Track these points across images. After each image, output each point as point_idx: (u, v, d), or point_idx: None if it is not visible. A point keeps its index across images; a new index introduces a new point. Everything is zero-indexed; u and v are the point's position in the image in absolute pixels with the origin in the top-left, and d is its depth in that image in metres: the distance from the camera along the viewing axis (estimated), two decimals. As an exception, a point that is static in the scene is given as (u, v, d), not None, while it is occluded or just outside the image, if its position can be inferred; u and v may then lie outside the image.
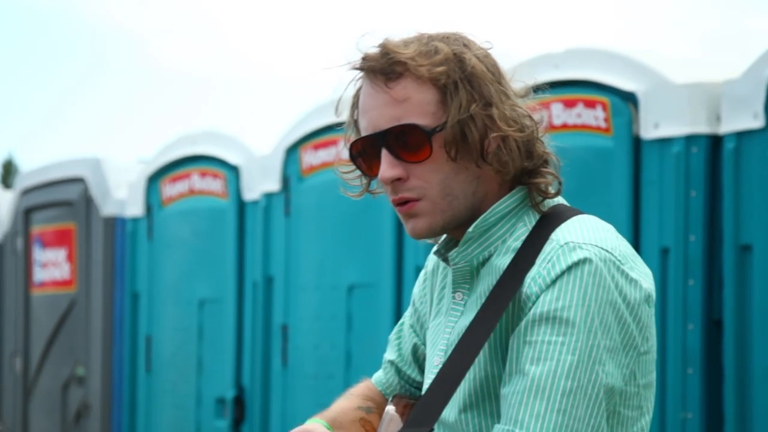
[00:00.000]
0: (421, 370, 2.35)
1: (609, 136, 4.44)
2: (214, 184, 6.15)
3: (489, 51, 2.16)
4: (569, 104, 4.57)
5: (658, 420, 4.28)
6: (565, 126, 4.57)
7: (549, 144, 2.20)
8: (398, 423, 2.26)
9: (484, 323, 2.07)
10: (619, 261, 2.07)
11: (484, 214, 2.12)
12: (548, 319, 2.02)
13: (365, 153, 2.15)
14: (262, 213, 5.85)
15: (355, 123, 2.19)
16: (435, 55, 2.08)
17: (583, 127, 4.51)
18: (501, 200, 2.14)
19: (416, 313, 2.36)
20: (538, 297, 2.04)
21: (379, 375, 2.43)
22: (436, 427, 2.14)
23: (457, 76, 2.08)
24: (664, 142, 4.33)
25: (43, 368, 7.04)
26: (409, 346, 2.37)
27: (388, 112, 2.10)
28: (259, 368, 5.82)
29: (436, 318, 2.24)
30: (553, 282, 2.03)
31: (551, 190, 2.16)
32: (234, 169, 6.04)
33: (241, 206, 5.99)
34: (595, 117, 4.48)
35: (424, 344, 2.33)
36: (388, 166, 2.10)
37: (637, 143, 4.38)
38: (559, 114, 4.58)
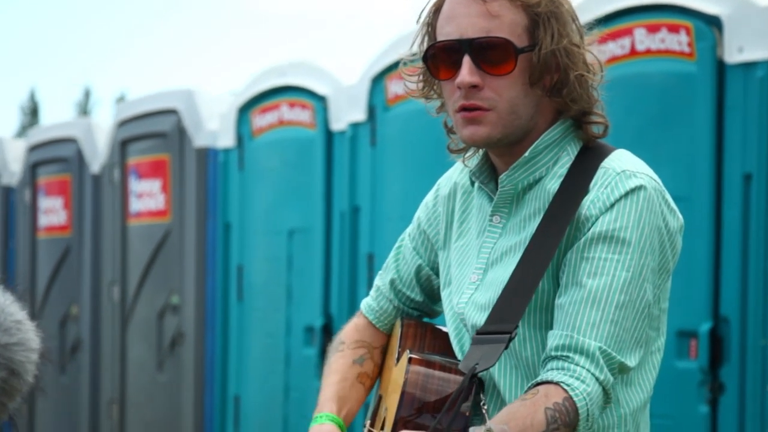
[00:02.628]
0: (423, 290, 2.52)
1: (692, 61, 4.37)
2: (303, 115, 6.19)
3: None
4: (652, 29, 4.50)
5: (738, 347, 4.24)
6: (648, 51, 4.51)
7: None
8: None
9: (549, 237, 2.27)
10: (663, 191, 2.31)
11: (537, 142, 2.33)
12: (606, 238, 2.24)
13: (441, 56, 2.32)
14: (348, 143, 5.87)
15: (430, 28, 2.34)
16: None
17: (667, 52, 4.45)
18: (550, 129, 2.34)
19: (422, 235, 2.52)
20: (597, 218, 2.26)
21: (370, 303, 2.57)
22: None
23: (550, 9, 2.27)
24: (748, 66, 4.25)
25: (139, 297, 7.18)
26: (411, 267, 2.52)
27: (480, 22, 2.26)
28: (346, 297, 5.87)
29: (461, 239, 2.42)
30: (612, 205, 2.24)
31: (598, 131, 2.35)
32: (322, 100, 6.07)
33: (329, 136, 6.02)
34: (679, 42, 4.41)
35: (430, 266, 2.50)
36: (468, 72, 2.26)
37: (720, 68, 4.31)
38: (642, 39, 4.52)
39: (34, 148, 8.19)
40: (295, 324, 6.17)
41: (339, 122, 5.97)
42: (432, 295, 2.52)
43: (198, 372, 6.76)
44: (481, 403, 2.23)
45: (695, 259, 4.28)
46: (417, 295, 2.52)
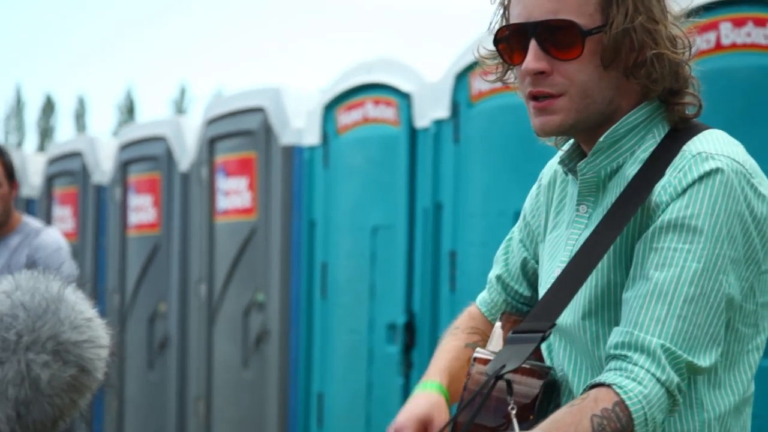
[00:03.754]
0: (530, 284, 2.37)
1: (779, 55, 4.30)
2: (387, 112, 6.19)
3: None
4: (738, 23, 4.43)
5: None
6: (734, 45, 4.44)
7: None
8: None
9: (610, 229, 2.10)
10: (750, 174, 2.10)
11: (616, 125, 2.14)
12: (676, 227, 2.06)
13: (511, 40, 2.18)
14: (432, 140, 5.86)
15: (505, 9, 2.20)
16: None
17: (753, 46, 4.38)
18: (632, 111, 2.15)
19: (527, 227, 2.36)
20: (668, 205, 2.07)
21: (483, 296, 2.44)
22: (553, 332, 2.15)
23: None
24: (837, 59, 4.17)
25: (226, 294, 7.23)
26: (518, 261, 2.37)
27: (546, 3, 2.11)
28: (429, 294, 5.87)
29: (555, 230, 2.26)
30: (684, 190, 2.07)
31: (689, 112, 2.16)
32: (406, 97, 6.06)
33: (413, 133, 6.02)
34: (765, 35, 4.34)
35: (535, 259, 2.35)
36: (533, 58, 2.12)
37: (808, 62, 4.23)
38: (727, 33, 4.45)
39: (125, 147, 8.30)
40: (378, 321, 6.18)
41: (423, 119, 5.97)
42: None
43: (282, 369, 6.79)
44: (509, 407, 2.07)
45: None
46: (525, 290, 2.38)
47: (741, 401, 2.14)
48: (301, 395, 6.72)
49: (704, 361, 2.05)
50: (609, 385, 2.02)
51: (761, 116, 4.35)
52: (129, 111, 59.00)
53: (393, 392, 6.02)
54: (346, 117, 6.46)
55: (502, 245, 2.43)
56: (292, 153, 6.79)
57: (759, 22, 4.36)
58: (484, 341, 2.36)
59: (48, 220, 9.06)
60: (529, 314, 2.15)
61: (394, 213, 6.08)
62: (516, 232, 2.40)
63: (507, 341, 2.14)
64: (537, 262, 2.34)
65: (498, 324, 2.32)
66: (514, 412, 2.07)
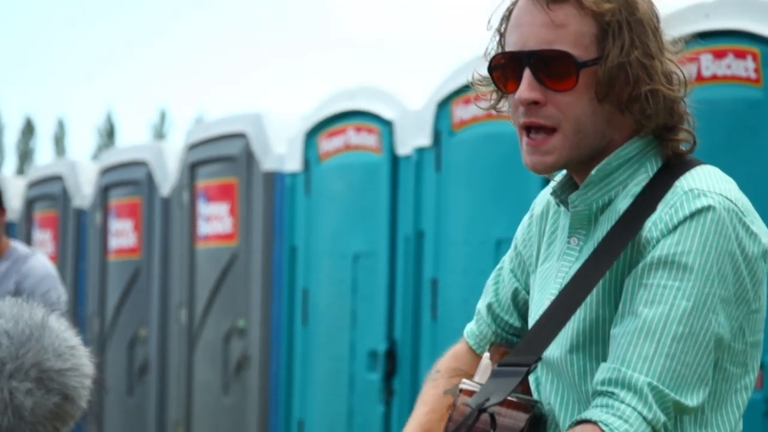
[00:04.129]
0: (520, 315, 2.33)
1: (759, 88, 4.33)
2: (369, 139, 6.20)
3: None
4: (719, 55, 4.46)
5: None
6: (714, 77, 4.47)
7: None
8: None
9: (600, 263, 2.07)
10: (742, 213, 2.07)
11: (608, 158, 2.12)
12: (666, 263, 2.03)
13: (506, 68, 2.14)
14: (413, 168, 5.88)
15: (501, 36, 2.17)
16: None
17: (733, 78, 4.41)
18: (625, 145, 2.13)
19: (518, 257, 2.33)
20: (658, 241, 2.04)
21: (471, 328, 2.40)
22: (539, 365, 2.15)
23: (623, 17, 2.07)
24: (816, 92, 4.20)
25: (207, 320, 7.22)
26: (508, 291, 2.34)
27: (542, 33, 2.09)
28: (410, 322, 5.87)
29: (546, 262, 2.23)
30: (675, 227, 2.05)
31: (684, 148, 2.15)
32: (388, 124, 6.08)
33: (395, 161, 6.03)
34: (746, 68, 4.37)
35: (526, 289, 2.32)
36: (527, 87, 2.09)
37: (788, 94, 4.26)
38: (708, 65, 4.49)
39: (105, 171, 8.29)
40: (359, 348, 6.17)
41: (405, 147, 5.98)
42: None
43: (263, 395, 6.78)
44: None
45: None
46: (515, 321, 2.34)
47: None
48: (282, 422, 6.71)
49: (692, 400, 2.03)
50: (595, 422, 2.00)
51: (741, 147, 4.38)
52: (109, 134, 58.90)
53: (374, 419, 6.01)
54: (327, 144, 6.47)
55: (493, 274, 2.39)
56: (274, 179, 6.80)
57: (739, 55, 4.39)
58: (468, 377, 2.30)
59: (28, 243, 9.03)
60: (515, 347, 2.13)
61: (376, 240, 6.09)
62: (507, 261, 2.37)
63: (492, 374, 2.12)
64: (528, 292, 2.31)
65: (486, 355, 2.29)
66: None
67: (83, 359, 1.91)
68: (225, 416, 7.01)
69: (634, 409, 1.99)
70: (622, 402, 2.00)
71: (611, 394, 2.01)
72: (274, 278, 6.79)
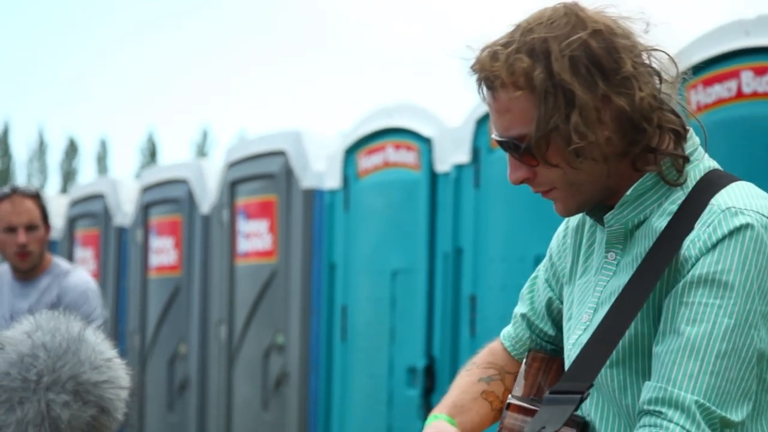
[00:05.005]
0: (554, 324, 2.37)
1: (800, 103, 4.31)
2: (408, 156, 6.22)
3: (607, 23, 2.11)
4: (760, 72, 4.45)
5: None
6: (755, 94, 4.46)
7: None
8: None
9: (643, 282, 2.11)
10: None
11: (639, 180, 2.14)
12: (707, 282, 2.07)
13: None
14: (452, 185, 5.89)
15: None
16: (520, 64, 2.09)
17: (773, 94, 4.39)
18: (644, 177, 2.14)
19: (553, 267, 2.36)
20: (697, 259, 2.08)
21: (508, 330, 2.44)
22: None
23: (546, 83, 2.08)
24: None
25: (246, 336, 7.25)
26: (543, 300, 2.37)
27: (499, 121, 2.14)
28: (449, 338, 5.87)
29: (584, 276, 2.26)
30: (714, 246, 2.08)
31: (684, 151, 2.13)
32: (427, 141, 6.09)
33: (433, 178, 6.04)
34: (786, 84, 4.36)
35: (559, 299, 2.35)
36: (512, 170, 2.17)
37: (828, 109, 4.25)
38: (749, 82, 4.48)
39: (146, 189, 8.35)
40: (397, 365, 6.18)
41: (443, 164, 5.99)
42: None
43: (302, 412, 6.79)
44: None
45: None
46: (549, 329, 2.38)
47: None
48: (321, 438, 6.72)
49: (737, 416, 2.07)
50: None
51: (781, 163, 4.36)
52: (151, 154, 59.27)
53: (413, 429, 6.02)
54: (366, 161, 6.49)
55: (528, 283, 2.43)
56: (313, 196, 6.83)
57: (779, 70, 4.38)
58: (501, 377, 2.38)
59: (70, 261, 9.10)
60: (566, 373, 2.16)
61: (415, 257, 6.10)
62: (542, 271, 2.40)
63: (546, 401, 2.15)
64: (561, 302, 2.34)
65: (525, 363, 2.34)
66: None
67: (119, 372, 1.93)
68: (264, 433, 7.04)
69: (683, 428, 2.03)
70: (671, 421, 2.04)
71: (659, 414, 2.05)
72: (313, 295, 6.81)
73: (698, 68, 4.61)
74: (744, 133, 4.48)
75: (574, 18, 2.11)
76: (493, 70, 2.11)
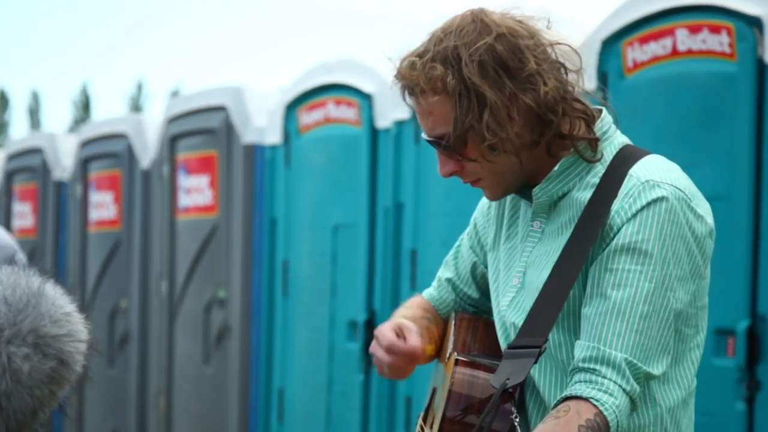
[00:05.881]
0: (478, 288, 2.61)
1: (733, 62, 4.40)
2: (348, 112, 6.26)
3: (510, 26, 2.32)
4: (694, 30, 4.53)
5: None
6: (689, 52, 4.55)
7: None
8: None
9: (577, 248, 2.34)
10: (689, 198, 2.35)
11: (563, 159, 2.37)
12: (629, 250, 2.30)
13: None
14: (393, 141, 5.94)
15: None
16: (434, 72, 2.31)
17: (708, 53, 4.48)
18: (566, 158, 2.37)
19: (477, 235, 2.60)
20: (620, 228, 2.31)
21: (431, 291, 2.68)
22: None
23: (458, 87, 2.30)
24: (789, 66, 4.28)
25: (187, 291, 7.28)
26: (468, 265, 2.61)
27: (424, 122, 2.39)
28: (389, 292, 5.94)
29: (509, 242, 2.49)
30: (634, 215, 2.30)
31: (595, 127, 2.36)
32: (367, 97, 6.13)
33: (374, 134, 6.09)
34: (720, 42, 4.44)
35: (483, 264, 2.58)
36: (441, 165, 2.42)
37: (761, 68, 4.34)
38: (684, 40, 4.56)
39: (85, 144, 8.32)
40: (338, 319, 6.25)
41: (384, 120, 6.04)
42: (487, 293, 2.60)
43: (243, 365, 6.85)
44: (513, 416, 2.31)
45: (734, 258, 4.32)
46: (474, 293, 2.62)
47: (687, 394, 2.40)
48: (262, 391, 6.79)
49: (658, 369, 2.31)
50: (587, 399, 2.26)
51: (715, 121, 4.45)
52: (85, 107, 58.65)
53: (353, 388, 6.09)
54: (307, 117, 6.53)
55: (452, 250, 2.66)
56: (254, 151, 6.85)
57: (714, 29, 4.46)
58: (434, 319, 2.61)
59: (7, 216, 9.07)
60: (520, 330, 2.36)
61: (356, 212, 6.15)
62: (466, 239, 2.64)
63: (505, 356, 2.36)
64: (486, 267, 2.56)
65: (453, 323, 2.55)
66: (517, 421, 2.32)
67: (78, 326, 1.98)
68: (206, 386, 7.09)
69: (616, 383, 2.27)
70: (605, 377, 2.27)
71: (593, 371, 2.28)
72: (254, 249, 6.85)
73: (634, 26, 4.70)
74: (679, 90, 4.57)
75: (480, 24, 2.32)
76: (412, 79, 2.33)
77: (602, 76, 4.82)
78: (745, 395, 4.29)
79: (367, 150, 6.10)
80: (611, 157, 2.37)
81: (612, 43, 4.80)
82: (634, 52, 4.71)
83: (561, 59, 2.35)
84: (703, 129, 4.49)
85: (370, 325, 6.02)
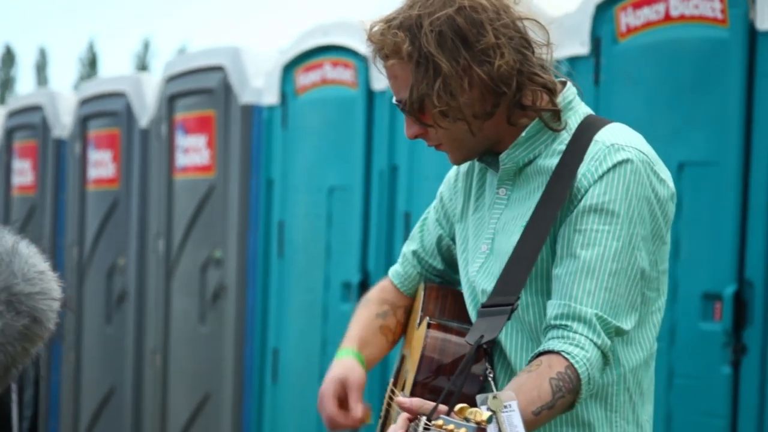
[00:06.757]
0: (443, 259, 2.69)
1: (725, 28, 4.40)
2: (345, 74, 6.26)
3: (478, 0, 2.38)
4: (687, -5, 4.53)
5: (762, 311, 4.30)
6: (682, 17, 4.55)
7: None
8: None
9: (548, 209, 2.40)
10: (652, 162, 2.42)
11: (529, 126, 2.43)
12: (596, 210, 2.37)
13: None
14: (388, 103, 5.94)
15: None
16: (394, 39, 2.40)
17: (700, 18, 4.48)
18: (532, 124, 2.44)
19: (444, 208, 2.68)
20: (587, 191, 2.37)
21: (396, 269, 2.75)
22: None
23: (415, 55, 2.38)
24: (780, 33, 4.28)
25: (184, 250, 7.31)
26: (433, 238, 2.69)
27: (392, 85, 2.49)
28: (383, 254, 5.97)
29: (476, 213, 2.55)
30: (601, 177, 2.37)
31: (558, 99, 2.43)
32: (363, 59, 6.13)
33: (370, 96, 6.10)
34: (712, 8, 4.44)
35: (450, 237, 2.65)
36: (407, 127, 2.49)
37: (752, 34, 4.34)
38: (676, 5, 4.56)
39: (85, 102, 8.33)
40: (333, 280, 6.28)
41: (380, 82, 6.04)
42: (452, 265, 2.66)
43: (239, 325, 6.89)
44: (487, 371, 2.36)
45: (722, 223, 4.34)
46: (438, 264, 2.68)
47: (648, 356, 2.47)
48: (257, 350, 6.83)
49: (627, 324, 2.37)
50: (558, 352, 2.32)
51: (707, 87, 4.46)
52: (91, 64, 58.58)
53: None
54: (304, 78, 6.53)
55: (418, 224, 2.73)
56: (251, 112, 6.86)
57: (707, -5, 4.46)
58: (393, 311, 2.68)
59: (7, 173, 9.10)
60: (493, 291, 2.41)
61: (351, 174, 6.17)
62: (432, 212, 2.71)
63: (479, 314, 2.40)
64: (452, 239, 2.63)
65: (421, 291, 2.62)
66: (491, 376, 2.36)
67: (52, 284, 2.00)
68: (201, 344, 7.13)
69: (587, 337, 2.33)
70: (576, 332, 2.33)
71: (565, 327, 2.34)
72: (250, 210, 6.87)
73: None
74: (672, 56, 4.57)
75: None
76: (378, 44, 2.43)
77: (596, 41, 4.82)
78: (732, 359, 4.32)
79: (362, 112, 6.11)
80: (576, 126, 2.44)
81: (605, 8, 4.80)
82: (628, 17, 4.71)
83: (528, 33, 2.41)
84: (694, 94, 4.50)
85: (365, 286, 6.04)
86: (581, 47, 4.87)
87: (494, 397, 2.17)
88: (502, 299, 2.37)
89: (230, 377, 6.91)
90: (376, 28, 2.44)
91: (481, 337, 2.33)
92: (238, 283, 6.91)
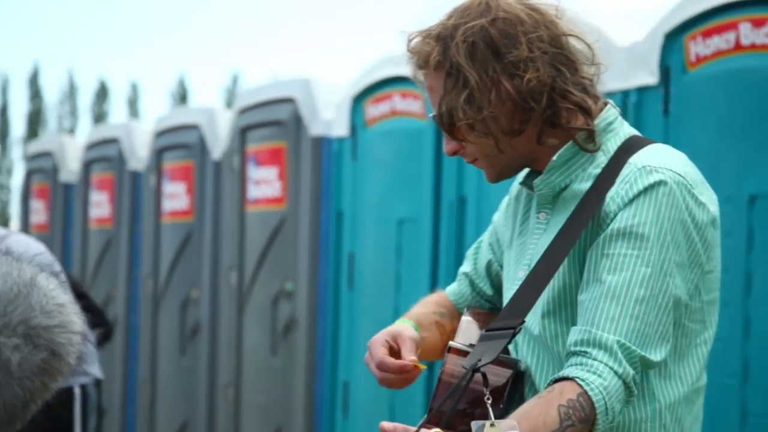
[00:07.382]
0: (492, 284, 2.62)
1: (797, 56, 4.29)
2: (414, 105, 6.22)
3: (514, 12, 2.30)
4: (758, 23, 4.42)
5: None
6: (753, 46, 4.44)
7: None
8: (475, 327, 2.42)
9: (568, 235, 2.31)
10: (690, 185, 2.28)
11: (564, 148, 2.34)
12: (625, 234, 2.24)
13: None
14: (457, 133, 5.89)
15: None
16: (427, 48, 2.33)
17: (771, 46, 4.37)
18: (567, 146, 2.35)
19: (496, 234, 2.62)
20: (616, 214, 2.27)
21: (452, 286, 2.70)
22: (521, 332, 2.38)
23: (446, 65, 2.32)
24: None
25: (255, 282, 7.29)
26: (484, 261, 2.62)
27: (430, 98, 2.42)
28: (452, 287, 5.90)
29: (520, 237, 2.48)
30: (631, 201, 2.25)
31: (596, 120, 2.33)
32: (433, 90, 6.08)
33: (439, 127, 6.03)
34: (783, 35, 4.33)
35: (498, 263, 2.59)
36: (445, 143, 2.41)
37: (825, 62, 4.22)
38: (747, 34, 4.45)
39: (160, 134, 8.38)
40: (402, 312, 6.15)
41: (449, 113, 5.98)
42: (500, 290, 2.60)
43: (309, 357, 6.85)
44: (485, 398, 2.23)
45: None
46: (487, 288, 2.61)
47: (691, 391, 2.32)
48: (328, 383, 6.78)
49: (655, 355, 2.23)
50: (572, 379, 2.21)
51: (778, 115, 4.34)
52: (182, 98, 59.31)
53: (417, 383, 6.04)
54: (374, 109, 6.50)
55: (474, 245, 2.67)
56: (321, 144, 6.84)
57: (777, 22, 4.35)
58: (449, 314, 2.60)
59: (85, 205, 9.17)
60: (500, 314, 2.32)
61: (420, 205, 6.11)
62: (486, 236, 2.65)
63: (481, 338, 2.30)
64: (501, 266, 2.56)
65: (465, 317, 2.52)
66: (489, 402, 2.22)
67: (71, 317, 1.96)
68: (273, 378, 7.10)
69: (606, 364, 2.20)
70: (595, 359, 2.21)
71: (585, 353, 2.22)
72: (321, 242, 6.84)
73: (698, 19, 4.60)
74: (742, 85, 4.46)
75: (484, 6, 2.32)
76: (414, 53, 2.36)
77: (665, 71, 4.73)
78: None
79: (432, 143, 6.05)
80: (614, 148, 2.34)
81: (675, 37, 4.69)
82: (697, 46, 4.60)
83: (572, 50, 2.31)
84: (766, 124, 4.38)
85: (433, 319, 5.97)
86: (650, 77, 4.77)
87: (492, 425, 2.10)
88: (507, 323, 2.28)
89: (301, 410, 6.87)
90: (413, 39, 2.37)
91: (478, 360, 2.23)
92: (308, 316, 6.87)
